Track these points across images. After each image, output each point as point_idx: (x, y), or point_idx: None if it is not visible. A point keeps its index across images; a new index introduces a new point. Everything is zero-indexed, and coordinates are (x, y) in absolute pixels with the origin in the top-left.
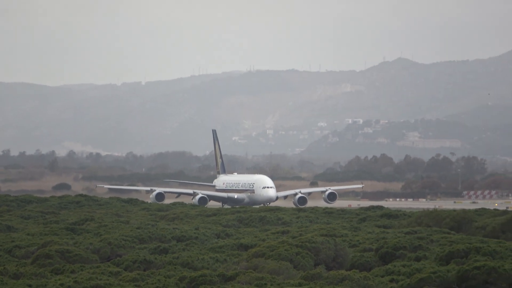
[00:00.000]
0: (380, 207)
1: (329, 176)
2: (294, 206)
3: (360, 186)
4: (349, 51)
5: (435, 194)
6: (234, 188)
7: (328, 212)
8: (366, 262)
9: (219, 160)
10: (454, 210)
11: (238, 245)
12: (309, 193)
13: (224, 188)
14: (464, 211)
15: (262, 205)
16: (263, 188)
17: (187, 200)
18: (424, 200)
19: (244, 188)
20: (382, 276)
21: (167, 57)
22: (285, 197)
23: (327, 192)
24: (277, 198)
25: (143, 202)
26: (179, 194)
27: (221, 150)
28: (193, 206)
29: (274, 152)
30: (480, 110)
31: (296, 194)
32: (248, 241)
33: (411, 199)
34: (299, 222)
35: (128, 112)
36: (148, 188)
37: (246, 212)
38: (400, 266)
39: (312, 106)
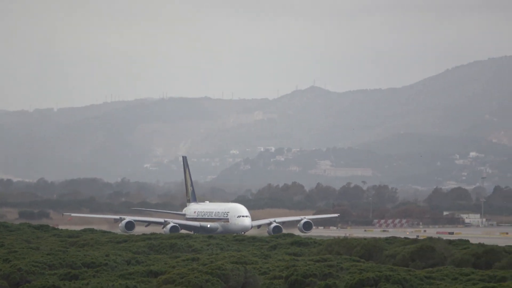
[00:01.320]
0: (291, 235)
1: (242, 204)
2: (268, 235)
3: (336, 215)
4: (262, 79)
5: (346, 222)
6: (206, 217)
7: (238, 239)
8: None
9: (190, 188)
10: (365, 239)
11: (148, 272)
12: (283, 222)
13: (196, 216)
14: (374, 239)
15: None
16: (238, 217)
17: (157, 229)
18: (335, 228)
19: (217, 217)
20: None
21: (80, 84)
22: (259, 226)
23: (302, 221)
24: (251, 227)
25: (54, 228)
26: (149, 223)
27: (191, 177)
28: (103, 232)
29: None
30: (392, 139)
31: (270, 223)
32: (158, 268)
33: (322, 227)
34: (210, 249)
35: (40, 138)
36: (117, 217)
37: (157, 239)
38: None
39: (225, 134)
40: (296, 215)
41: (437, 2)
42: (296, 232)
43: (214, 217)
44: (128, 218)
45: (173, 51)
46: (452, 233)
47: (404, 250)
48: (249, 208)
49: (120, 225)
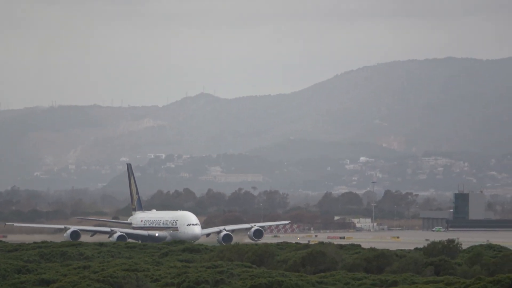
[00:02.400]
0: (182, 242)
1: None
2: (218, 244)
3: (287, 222)
4: (151, 86)
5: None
6: (154, 225)
7: (130, 246)
8: None
9: (135, 196)
10: (256, 244)
11: (39, 281)
12: (233, 230)
13: (143, 225)
14: (266, 245)
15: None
16: (187, 225)
17: (103, 238)
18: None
19: (166, 226)
20: None
21: None
22: (208, 234)
23: (252, 229)
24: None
25: None
26: (95, 232)
27: (137, 185)
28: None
29: (77, 187)
30: (282, 144)
31: (220, 231)
32: (50, 276)
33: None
34: (101, 257)
35: None
36: (62, 226)
37: (48, 247)
38: None
39: (115, 141)
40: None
41: (325, 9)
42: (246, 240)
43: (163, 226)
44: (73, 227)
45: (62, 59)
46: (344, 238)
47: (295, 256)
48: None
49: (64, 235)
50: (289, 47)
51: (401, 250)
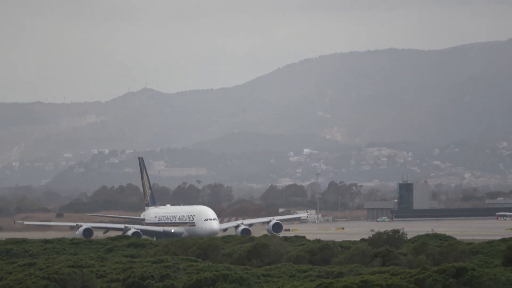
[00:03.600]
0: (127, 237)
1: (76, 207)
2: None
3: (305, 214)
4: (94, 82)
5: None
6: (169, 221)
7: (75, 243)
8: None
9: (148, 191)
10: (201, 238)
11: None
12: (251, 224)
13: (157, 221)
14: (210, 238)
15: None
16: (205, 220)
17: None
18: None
19: (182, 221)
20: None
21: None
22: (225, 229)
23: (271, 223)
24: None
25: None
26: (108, 229)
27: (149, 179)
28: None
29: (20, 184)
30: (226, 138)
31: (238, 226)
32: None
33: None
34: (46, 253)
35: None
36: (73, 224)
37: None
38: None
39: (58, 138)
40: (134, 216)
41: (266, 2)
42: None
43: (178, 221)
44: (85, 225)
45: (2, 56)
46: (289, 230)
47: (240, 249)
48: (84, 211)
49: (77, 232)
50: (231, 41)
51: (346, 241)
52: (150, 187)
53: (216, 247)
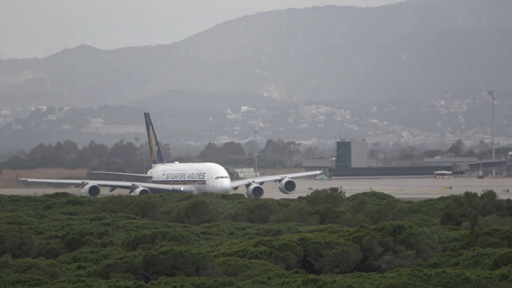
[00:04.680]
0: (65, 194)
1: (13, 164)
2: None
3: (318, 172)
4: (31, 38)
5: (121, 179)
6: (178, 179)
7: (13, 199)
8: (53, 249)
9: (155, 148)
10: (139, 196)
11: None
12: (262, 182)
13: (165, 179)
14: (148, 196)
15: None
16: (216, 178)
17: (124, 193)
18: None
19: (191, 179)
20: (69, 263)
21: None
22: (236, 187)
23: (283, 181)
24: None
25: None
26: (115, 187)
27: (156, 135)
28: None
29: None
30: (163, 95)
31: (249, 184)
32: None
33: None
34: None
35: None
36: (79, 181)
37: None
38: (87, 253)
39: None
40: (71, 174)
41: None
42: (277, 192)
43: (188, 179)
44: (91, 182)
45: None
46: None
47: (178, 207)
48: (22, 168)
49: (83, 190)
50: (176, 1)
51: (284, 199)
52: (157, 144)
53: (154, 205)
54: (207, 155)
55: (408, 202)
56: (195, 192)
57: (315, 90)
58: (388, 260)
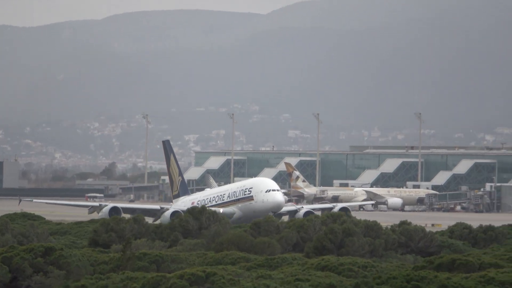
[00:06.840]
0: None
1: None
2: None
3: (371, 202)
4: None
5: None
6: (215, 203)
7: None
8: None
9: (178, 178)
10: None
11: None
12: (313, 209)
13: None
14: None
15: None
16: (267, 191)
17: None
18: None
19: (233, 199)
20: None
21: None
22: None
23: (336, 209)
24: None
25: None
26: (142, 210)
27: (178, 165)
28: None
29: None
30: None
31: (297, 210)
32: None
33: None
34: None
35: None
36: (96, 204)
37: None
38: None
39: None
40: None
41: None
42: None
43: (228, 200)
44: (111, 204)
45: None
46: None
47: None
48: None
49: (101, 213)
50: None
51: None
52: (180, 174)
53: None
54: None
55: (59, 223)
56: (237, 214)
57: None
58: (38, 281)
